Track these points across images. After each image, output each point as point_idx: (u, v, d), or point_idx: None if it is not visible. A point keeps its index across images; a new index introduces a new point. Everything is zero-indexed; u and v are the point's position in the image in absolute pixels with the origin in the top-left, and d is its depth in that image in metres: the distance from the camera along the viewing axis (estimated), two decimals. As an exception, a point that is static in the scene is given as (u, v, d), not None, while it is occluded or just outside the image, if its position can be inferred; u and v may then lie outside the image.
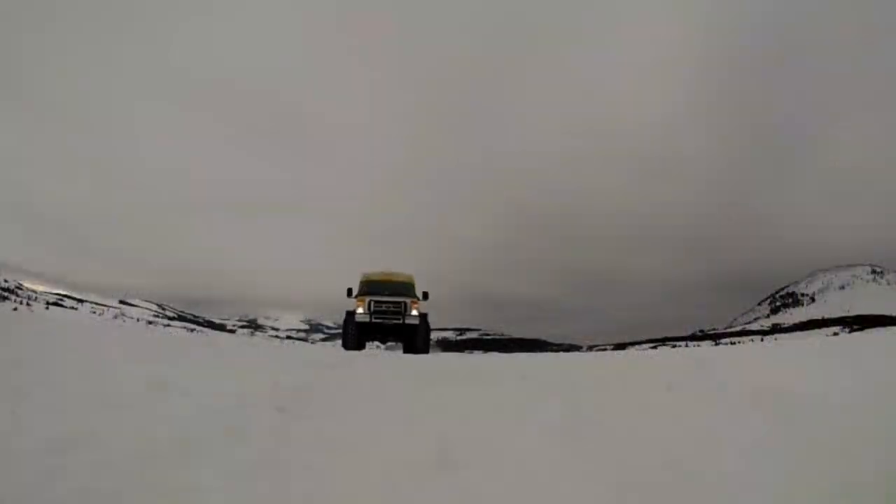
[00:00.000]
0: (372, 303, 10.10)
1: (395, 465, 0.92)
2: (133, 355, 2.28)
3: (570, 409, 1.24)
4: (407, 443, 0.97)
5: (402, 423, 1.24)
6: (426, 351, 10.93)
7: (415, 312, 10.33)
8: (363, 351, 8.45)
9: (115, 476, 0.72)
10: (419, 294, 11.13)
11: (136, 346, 2.78)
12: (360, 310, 10.14)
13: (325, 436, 1.11)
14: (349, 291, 10.80)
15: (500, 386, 1.75)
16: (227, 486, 0.78)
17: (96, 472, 0.70)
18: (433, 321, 10.90)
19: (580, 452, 1.00)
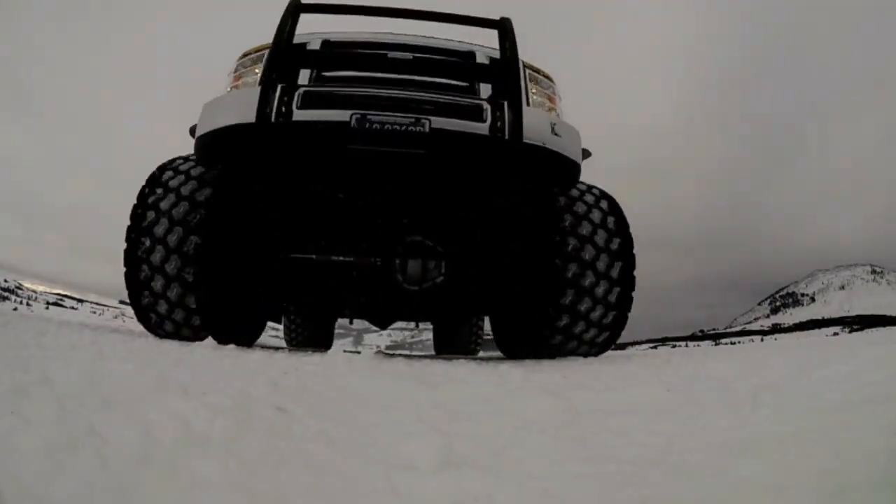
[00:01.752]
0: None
1: (398, 463, 0.93)
2: (133, 355, 2.29)
3: (574, 409, 1.25)
4: (410, 441, 0.97)
5: (405, 422, 1.25)
6: (606, 344, 2.90)
7: (548, 123, 2.24)
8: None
9: (117, 473, 0.72)
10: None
11: (136, 346, 2.78)
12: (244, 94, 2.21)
13: (325, 435, 1.11)
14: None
15: (503, 386, 1.77)
16: (229, 482, 0.79)
17: (99, 470, 0.71)
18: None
19: (580, 450, 1.01)
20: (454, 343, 4.57)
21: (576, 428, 1.19)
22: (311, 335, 4.87)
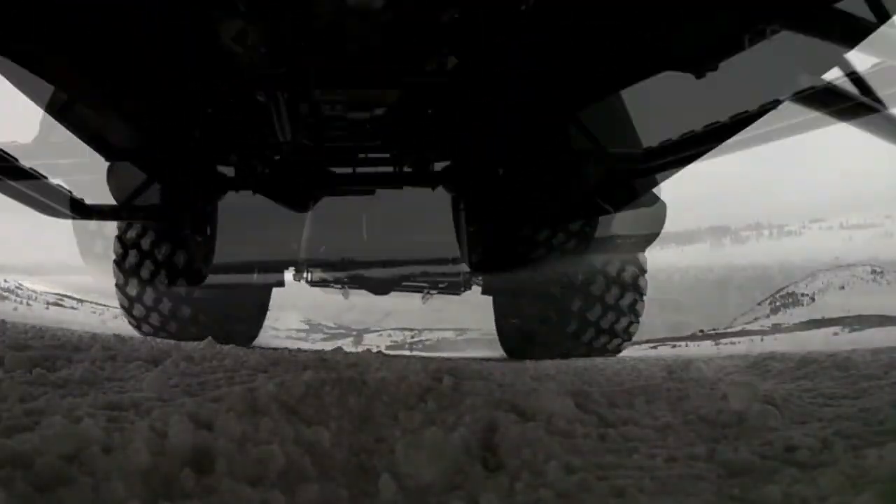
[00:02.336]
0: None
1: (402, 462, 0.93)
2: (135, 356, 2.30)
3: (580, 407, 1.27)
4: (413, 440, 0.98)
5: (407, 421, 1.25)
6: None
7: None
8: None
9: (125, 472, 0.73)
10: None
11: (138, 347, 2.80)
12: None
13: (330, 434, 1.12)
14: None
15: (509, 385, 1.79)
16: (240, 471, 0.81)
17: (111, 468, 0.72)
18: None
19: (585, 448, 1.02)
20: (549, 328, 2.16)
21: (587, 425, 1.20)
22: (216, 316, 2.54)
